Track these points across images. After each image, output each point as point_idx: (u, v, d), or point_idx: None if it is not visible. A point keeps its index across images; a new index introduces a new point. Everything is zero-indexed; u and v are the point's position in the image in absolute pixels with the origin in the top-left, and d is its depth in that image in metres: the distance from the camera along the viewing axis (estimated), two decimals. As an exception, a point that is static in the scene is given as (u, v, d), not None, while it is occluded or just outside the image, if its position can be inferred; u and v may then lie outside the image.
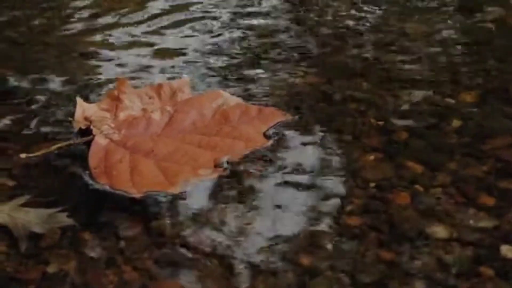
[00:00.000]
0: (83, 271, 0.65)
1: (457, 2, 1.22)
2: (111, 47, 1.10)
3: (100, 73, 1.02)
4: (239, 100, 0.89)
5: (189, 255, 0.67)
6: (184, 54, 1.06)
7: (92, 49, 1.10)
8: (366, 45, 1.08)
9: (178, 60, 1.04)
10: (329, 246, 0.67)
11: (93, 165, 0.77)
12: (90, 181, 0.76)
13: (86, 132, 0.83)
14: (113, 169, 0.76)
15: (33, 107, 0.93)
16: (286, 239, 0.68)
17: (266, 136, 0.83)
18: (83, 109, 0.86)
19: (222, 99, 0.88)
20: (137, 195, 0.73)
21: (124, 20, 1.20)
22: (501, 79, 0.96)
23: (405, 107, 0.89)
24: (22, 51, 1.10)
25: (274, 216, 0.71)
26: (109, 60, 1.06)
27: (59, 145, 0.81)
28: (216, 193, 0.75)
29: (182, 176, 0.75)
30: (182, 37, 1.13)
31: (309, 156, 0.80)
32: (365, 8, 1.21)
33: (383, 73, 0.99)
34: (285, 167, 0.78)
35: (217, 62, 1.03)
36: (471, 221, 0.69)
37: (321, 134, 0.84)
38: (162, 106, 0.87)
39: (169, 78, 0.97)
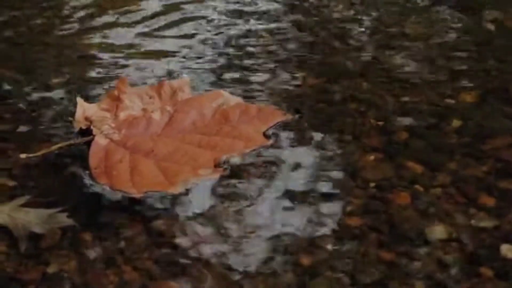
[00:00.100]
0: (83, 271, 0.65)
1: (457, 2, 1.22)
2: (111, 47, 1.10)
3: (100, 73, 1.01)
4: (240, 99, 0.89)
5: (189, 255, 0.67)
6: (183, 54, 1.06)
7: (92, 49, 1.10)
8: (366, 45, 1.08)
9: (177, 60, 1.04)
10: (329, 247, 0.67)
11: (93, 165, 0.77)
12: (90, 181, 0.76)
13: (86, 132, 0.83)
14: (113, 169, 0.76)
15: (33, 107, 0.93)
16: (286, 239, 0.68)
17: (266, 136, 0.83)
18: (83, 109, 0.86)
19: (223, 99, 0.88)
20: (137, 195, 0.73)
21: (123, 20, 1.19)
22: (501, 79, 0.96)
23: (405, 107, 0.89)
24: (21, 51, 1.10)
25: (274, 216, 0.71)
26: (109, 60, 1.05)
27: (59, 145, 0.81)
28: (216, 193, 0.75)
29: (182, 176, 0.75)
30: (181, 36, 1.13)
31: (309, 156, 0.80)
32: (364, 8, 1.21)
33: (383, 73, 0.99)
34: (285, 167, 0.78)
35: (217, 62, 1.03)
36: (471, 221, 0.69)
37: (321, 134, 0.84)
38: (162, 106, 0.87)
39: (169, 78, 0.97)
